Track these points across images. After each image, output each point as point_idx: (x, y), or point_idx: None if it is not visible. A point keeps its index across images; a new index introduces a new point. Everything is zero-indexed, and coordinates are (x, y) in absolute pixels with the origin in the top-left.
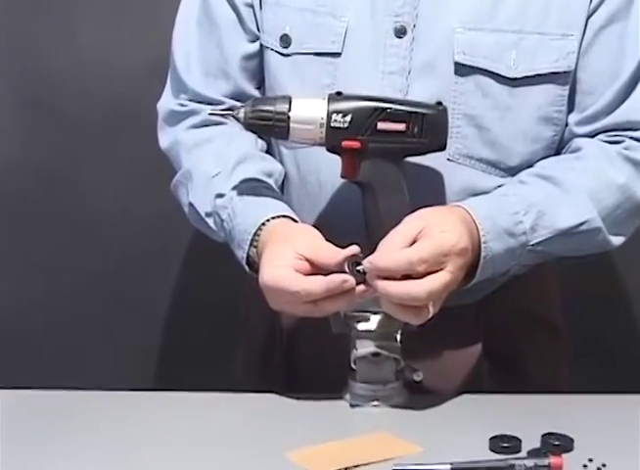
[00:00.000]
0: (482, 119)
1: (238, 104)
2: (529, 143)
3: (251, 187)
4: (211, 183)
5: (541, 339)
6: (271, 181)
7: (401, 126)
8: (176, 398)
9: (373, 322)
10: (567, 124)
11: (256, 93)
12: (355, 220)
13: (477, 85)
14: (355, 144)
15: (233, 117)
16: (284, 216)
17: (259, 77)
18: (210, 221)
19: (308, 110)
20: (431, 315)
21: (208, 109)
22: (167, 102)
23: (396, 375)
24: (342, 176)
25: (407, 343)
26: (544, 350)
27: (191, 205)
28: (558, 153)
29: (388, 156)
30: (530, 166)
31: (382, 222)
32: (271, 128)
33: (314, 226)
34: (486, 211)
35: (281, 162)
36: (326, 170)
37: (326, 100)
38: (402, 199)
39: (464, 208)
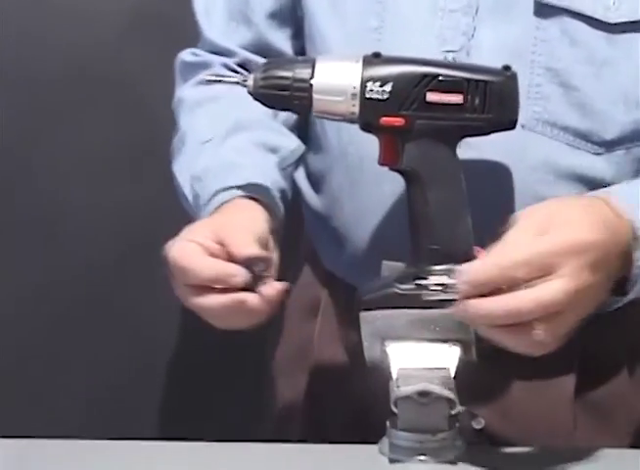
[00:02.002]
0: (571, 76)
1: (254, 58)
2: (632, 109)
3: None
4: (199, 151)
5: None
6: (274, 158)
7: (458, 98)
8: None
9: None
10: None
11: (287, 46)
12: (403, 210)
13: (564, 31)
14: (398, 121)
15: (239, 84)
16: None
17: (293, 26)
18: (190, 198)
19: (337, 76)
20: (552, 341)
21: (224, 61)
22: (182, 52)
23: (450, 421)
24: (381, 163)
25: (465, 377)
26: None
27: (174, 173)
28: None
29: (440, 136)
30: (633, 140)
31: (430, 221)
32: (288, 100)
33: (354, 219)
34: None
35: (319, 126)
36: (370, 139)
37: (360, 63)
38: (458, 192)
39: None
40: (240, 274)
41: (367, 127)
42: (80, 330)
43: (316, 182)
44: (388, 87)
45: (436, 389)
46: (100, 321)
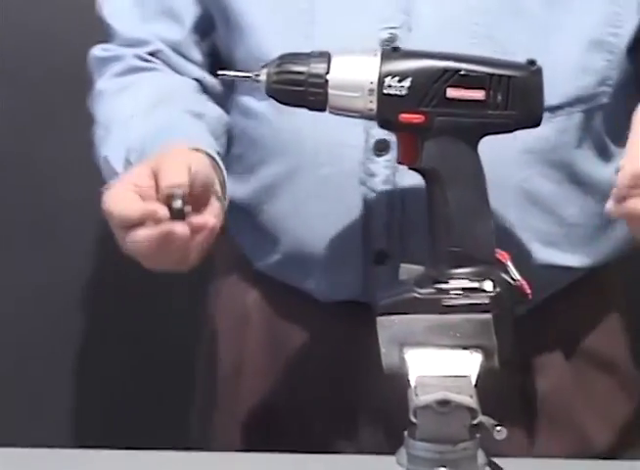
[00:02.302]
0: (513, 45)
1: (165, 49)
2: (578, 75)
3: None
4: (127, 128)
5: (600, 385)
6: (203, 124)
7: (479, 94)
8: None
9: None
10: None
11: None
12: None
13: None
14: (417, 118)
15: (251, 79)
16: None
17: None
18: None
19: (353, 71)
20: None
21: (136, 52)
22: (93, 48)
23: (471, 431)
24: (400, 161)
25: (486, 385)
26: (605, 400)
27: (105, 159)
28: (617, 93)
29: (460, 134)
30: (575, 105)
31: (450, 222)
32: (303, 96)
33: (292, 208)
34: None
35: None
36: (307, 121)
37: (378, 57)
38: (479, 191)
39: None
40: (162, 210)
41: (385, 124)
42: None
43: (244, 175)
44: (406, 82)
45: (457, 397)
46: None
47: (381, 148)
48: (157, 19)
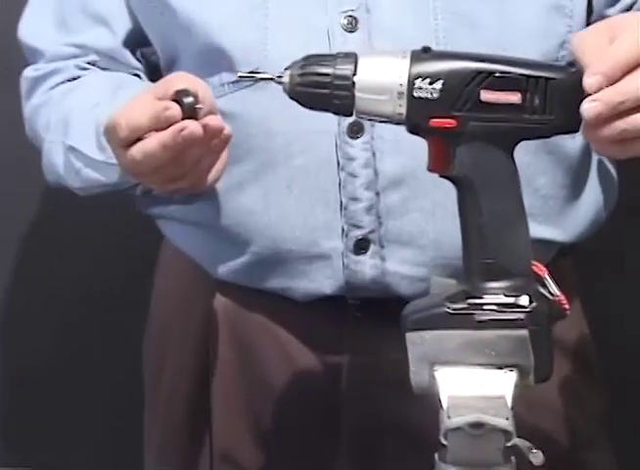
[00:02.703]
0: (475, 15)
1: (98, 58)
2: (539, 40)
3: None
4: (94, 114)
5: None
6: None
7: (515, 97)
8: None
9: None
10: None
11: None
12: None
13: None
14: (449, 122)
15: (274, 81)
16: None
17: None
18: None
19: (382, 72)
20: None
21: (75, 62)
22: (24, 71)
23: (505, 455)
24: (430, 169)
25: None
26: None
27: (73, 150)
28: None
29: (495, 140)
30: None
31: (484, 233)
32: (328, 99)
33: (260, 205)
34: None
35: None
36: (284, 112)
37: (408, 58)
38: (514, 200)
39: None
40: (174, 107)
41: (415, 129)
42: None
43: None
44: (438, 85)
45: (492, 420)
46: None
47: (355, 130)
48: (84, 28)
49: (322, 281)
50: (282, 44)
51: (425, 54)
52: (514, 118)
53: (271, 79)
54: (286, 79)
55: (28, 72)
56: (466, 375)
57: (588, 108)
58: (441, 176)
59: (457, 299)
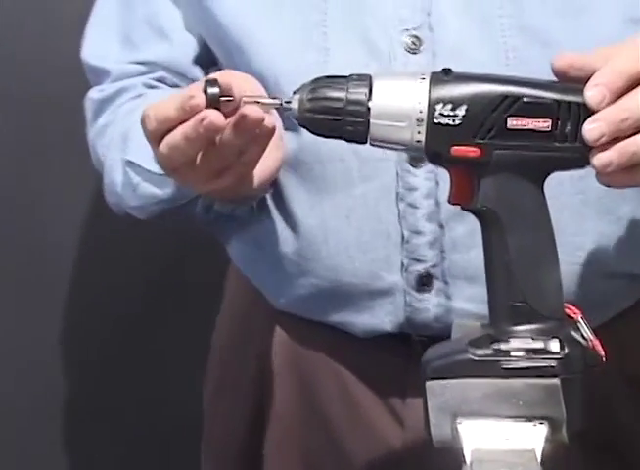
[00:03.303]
0: (548, 34)
1: (166, 74)
2: None
3: None
4: None
5: None
6: None
7: (545, 124)
8: None
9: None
10: None
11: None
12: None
13: None
14: (472, 151)
15: (281, 107)
16: None
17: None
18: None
19: (399, 97)
20: None
21: (144, 80)
22: (89, 93)
23: None
24: (452, 201)
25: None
26: None
27: (131, 164)
28: None
29: (523, 170)
30: None
31: (512, 272)
32: (341, 126)
33: (318, 236)
34: None
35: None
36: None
37: (427, 81)
38: (544, 236)
39: None
40: (198, 95)
41: (435, 159)
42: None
43: (258, 204)
44: (460, 111)
45: None
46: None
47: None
48: (150, 43)
49: (383, 317)
50: (341, 65)
51: (446, 76)
52: (544, 147)
53: (280, 105)
54: (294, 105)
55: (93, 94)
56: (491, 428)
57: (590, 129)
58: (464, 210)
59: (481, 344)
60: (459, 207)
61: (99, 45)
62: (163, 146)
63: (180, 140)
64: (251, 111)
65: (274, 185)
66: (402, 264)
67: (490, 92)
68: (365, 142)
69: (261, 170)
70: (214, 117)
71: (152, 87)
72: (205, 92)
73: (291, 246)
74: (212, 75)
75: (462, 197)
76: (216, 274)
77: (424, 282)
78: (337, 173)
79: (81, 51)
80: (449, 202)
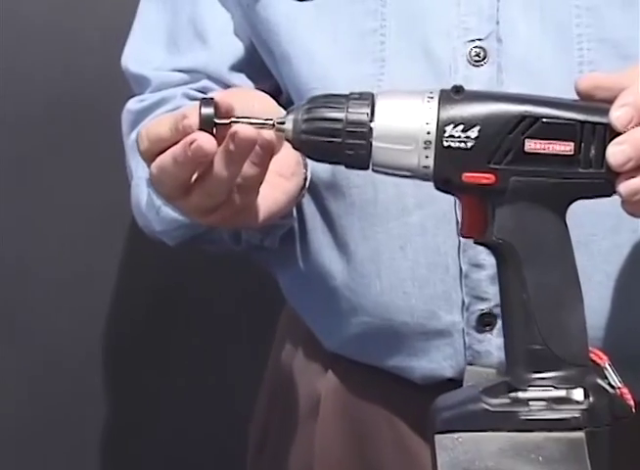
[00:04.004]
0: (630, 46)
1: (210, 84)
2: None
3: None
4: None
5: None
6: None
7: (567, 147)
8: None
9: None
10: None
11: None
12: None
13: None
14: (486, 178)
15: (274, 128)
16: None
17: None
18: None
19: (405, 117)
20: None
21: (185, 90)
22: (128, 103)
23: None
24: (464, 233)
25: None
26: None
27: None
28: None
29: (543, 199)
30: None
31: (530, 313)
32: (339, 149)
33: (369, 269)
34: None
35: None
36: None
37: (436, 100)
38: (567, 273)
39: None
40: (192, 115)
41: (445, 186)
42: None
43: (303, 234)
44: (473, 132)
45: None
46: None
47: None
48: (193, 48)
49: (442, 362)
50: (397, 78)
51: (456, 94)
52: (565, 173)
53: (271, 125)
54: (288, 126)
55: (132, 105)
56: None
57: (615, 153)
58: (477, 243)
59: (497, 392)
60: (472, 240)
61: (142, 50)
62: (154, 167)
63: (169, 163)
64: (242, 130)
65: (296, 215)
66: (463, 302)
67: (506, 112)
68: (367, 167)
69: (266, 202)
70: (204, 140)
71: (193, 98)
72: (199, 113)
73: (341, 279)
74: (212, 94)
75: (475, 228)
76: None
77: (485, 322)
78: (390, 199)
79: (122, 59)
80: (461, 234)
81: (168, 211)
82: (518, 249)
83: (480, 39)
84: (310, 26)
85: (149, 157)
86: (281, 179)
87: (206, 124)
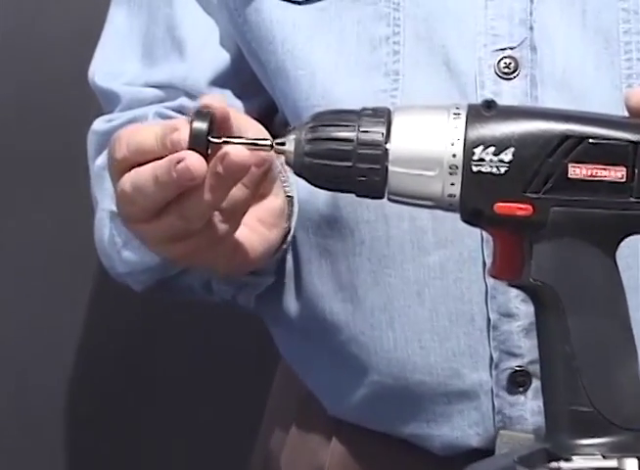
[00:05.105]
0: None
1: (187, 102)
2: None
3: None
4: None
5: None
6: None
7: (618, 173)
8: None
9: None
10: None
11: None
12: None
13: None
14: (522, 208)
15: (272, 149)
16: None
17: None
18: None
19: (426, 137)
20: None
21: (159, 109)
22: (93, 124)
23: None
24: (496, 274)
25: None
26: None
27: (115, 218)
28: None
29: (589, 234)
30: None
31: (574, 368)
32: (350, 175)
33: (380, 320)
34: None
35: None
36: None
37: (463, 117)
38: (617, 321)
39: None
40: (183, 129)
41: (473, 218)
42: None
43: (300, 279)
44: (507, 155)
45: None
46: None
47: None
48: (169, 59)
49: (466, 429)
50: (413, 94)
51: (488, 110)
52: (615, 203)
53: (269, 147)
54: (289, 147)
55: (99, 125)
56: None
57: None
58: (512, 286)
59: (535, 462)
60: (505, 282)
61: (112, 62)
62: (126, 182)
63: (148, 180)
64: (235, 152)
65: (292, 257)
66: (491, 359)
67: (546, 131)
68: (382, 196)
69: (242, 246)
70: (192, 161)
71: (167, 117)
72: (190, 126)
73: (347, 332)
74: (208, 100)
75: (509, 269)
76: None
77: (518, 382)
78: (405, 235)
79: (89, 73)
80: (491, 275)
81: (129, 254)
82: (560, 293)
83: (510, 48)
84: (311, 33)
85: (123, 168)
86: (261, 227)
87: (198, 142)
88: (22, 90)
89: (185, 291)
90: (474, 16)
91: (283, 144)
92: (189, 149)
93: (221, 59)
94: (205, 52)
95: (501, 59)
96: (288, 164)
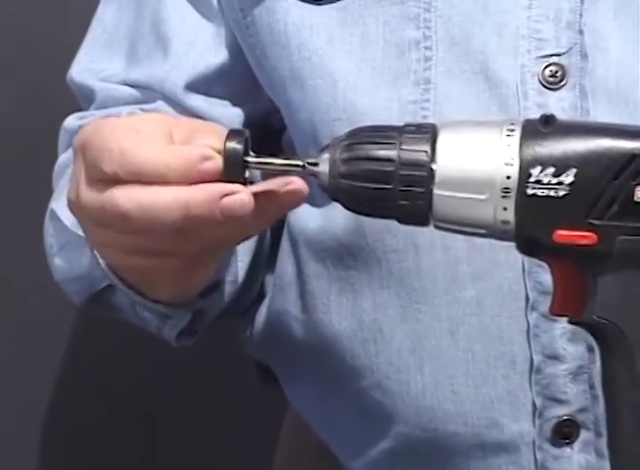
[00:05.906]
0: None
1: (166, 107)
2: None
3: None
4: None
5: None
6: None
7: None
8: None
9: None
10: None
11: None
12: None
13: None
14: (586, 237)
15: (304, 170)
16: None
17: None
18: None
19: (475, 157)
20: None
21: (132, 110)
22: (65, 121)
23: None
24: (554, 311)
25: None
26: None
27: (52, 216)
28: None
29: None
30: None
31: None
32: (391, 199)
33: (409, 363)
34: None
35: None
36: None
37: (517, 133)
38: None
39: None
40: (216, 159)
41: (529, 247)
42: None
43: (313, 317)
44: (568, 177)
45: None
46: None
47: None
48: (151, 57)
49: None
50: (447, 106)
51: (545, 126)
52: None
53: (301, 167)
54: (323, 168)
55: (70, 122)
56: None
57: None
58: (573, 323)
59: None
60: (565, 319)
61: (94, 58)
62: (129, 202)
63: (169, 210)
64: (299, 184)
65: (299, 292)
66: (534, 406)
67: (611, 149)
68: (427, 223)
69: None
70: (242, 200)
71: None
72: (226, 154)
73: (369, 377)
74: (207, 132)
75: (569, 304)
76: None
77: (564, 433)
78: (438, 267)
79: (70, 71)
80: (551, 312)
81: (59, 261)
82: (627, 332)
83: (558, 54)
84: (331, 37)
85: (112, 180)
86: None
87: (234, 168)
88: (23, 90)
89: (116, 310)
90: (516, 17)
91: (316, 164)
92: (225, 179)
93: (207, 62)
94: (191, 53)
95: (546, 66)
96: (321, 186)
